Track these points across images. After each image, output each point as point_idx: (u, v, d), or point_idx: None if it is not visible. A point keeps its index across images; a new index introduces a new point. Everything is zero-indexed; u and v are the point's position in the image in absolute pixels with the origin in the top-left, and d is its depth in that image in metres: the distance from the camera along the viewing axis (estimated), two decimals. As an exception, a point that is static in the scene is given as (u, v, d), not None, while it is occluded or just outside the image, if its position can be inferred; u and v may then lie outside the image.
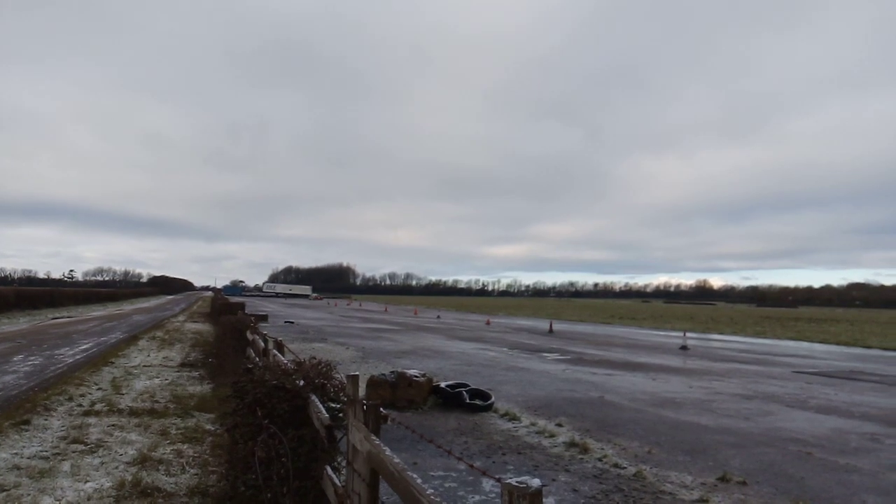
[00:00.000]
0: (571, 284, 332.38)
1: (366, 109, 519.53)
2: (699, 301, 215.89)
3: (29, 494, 5.62)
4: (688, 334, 31.94)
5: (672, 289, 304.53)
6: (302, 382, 5.02)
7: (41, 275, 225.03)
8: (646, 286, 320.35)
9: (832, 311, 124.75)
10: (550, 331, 35.43)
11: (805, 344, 32.47)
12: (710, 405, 11.79)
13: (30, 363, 15.26)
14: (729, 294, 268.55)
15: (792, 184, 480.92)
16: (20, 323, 31.02)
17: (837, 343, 33.27)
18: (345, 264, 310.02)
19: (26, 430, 8.02)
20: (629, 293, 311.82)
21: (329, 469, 4.46)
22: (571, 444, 8.23)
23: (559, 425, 9.50)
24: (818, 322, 61.30)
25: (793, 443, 8.87)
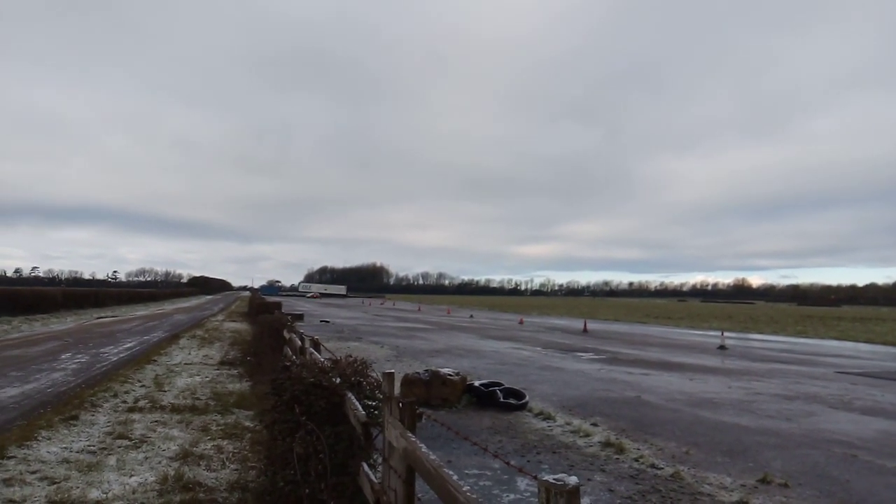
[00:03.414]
0: (606, 284, 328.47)
1: (386, 112, 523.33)
2: (737, 300, 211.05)
3: (78, 487, 5.83)
4: (726, 334, 31.26)
5: (709, 288, 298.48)
6: (338, 380, 5.09)
7: (86, 276, 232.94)
8: (682, 285, 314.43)
9: (877, 311, 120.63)
10: (585, 330, 35.11)
11: (849, 344, 31.50)
12: (750, 406, 11.55)
13: (77, 361, 15.78)
14: (768, 293, 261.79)
15: (821, 181, 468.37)
16: (67, 322, 32.07)
17: (884, 343, 32.15)
18: (378, 264, 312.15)
19: (74, 426, 8.31)
20: (665, 292, 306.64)
21: (365, 466, 4.52)
22: (607, 444, 8.16)
23: (594, 425, 9.43)
24: (863, 321, 59.38)
25: (837, 444, 8.64)
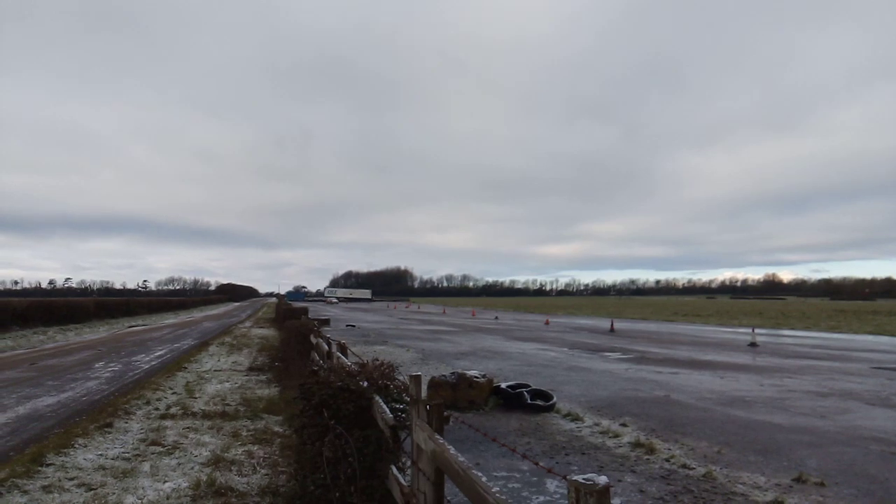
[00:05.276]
0: (632, 282, 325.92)
1: (404, 117, 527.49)
2: (768, 296, 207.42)
3: (114, 493, 5.95)
4: (757, 330, 30.76)
5: (738, 284, 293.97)
6: (366, 384, 5.12)
7: (117, 285, 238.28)
8: (710, 282, 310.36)
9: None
10: (611, 329, 34.80)
11: (885, 338, 30.73)
12: (783, 403, 11.34)
13: (110, 369, 16.10)
14: (800, 288, 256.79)
15: (848, 172, 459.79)
16: (100, 331, 32.74)
17: (922, 337, 31.33)
18: (402, 267, 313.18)
19: (109, 433, 8.48)
20: (693, 289, 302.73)
21: (394, 468, 4.53)
22: (637, 445, 8.07)
23: (623, 425, 9.34)
24: (899, 315, 57.91)
25: (875, 442, 8.43)
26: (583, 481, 1.92)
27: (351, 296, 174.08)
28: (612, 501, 1.96)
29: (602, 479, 1.92)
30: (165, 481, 6.35)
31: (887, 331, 35.58)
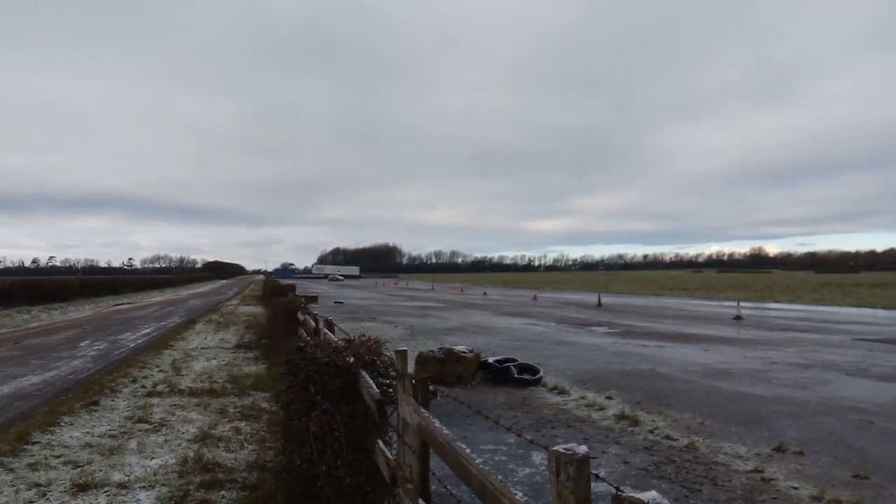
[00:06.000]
0: (620, 257, 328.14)
1: (393, 91, 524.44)
2: (754, 269, 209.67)
3: (101, 470, 5.95)
4: (742, 304, 31.12)
5: (725, 258, 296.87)
6: (352, 359, 5.11)
7: (102, 264, 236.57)
8: (697, 256, 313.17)
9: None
10: (599, 304, 35.07)
11: (867, 310, 31.23)
12: (766, 375, 11.52)
13: (96, 348, 16.02)
14: (786, 261, 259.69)
15: (835, 145, 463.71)
16: (85, 310, 32.52)
17: (902, 309, 31.84)
18: (391, 244, 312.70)
19: (95, 411, 8.46)
20: (680, 264, 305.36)
21: (381, 443, 4.55)
22: (622, 417, 8.18)
23: (609, 398, 9.45)
24: (882, 287, 58.75)
25: (853, 412, 8.60)
26: (563, 451, 1.93)
27: (339, 273, 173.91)
28: (596, 472, 1.98)
29: (582, 449, 1.93)
30: (153, 458, 6.36)
31: (869, 303, 36.14)
